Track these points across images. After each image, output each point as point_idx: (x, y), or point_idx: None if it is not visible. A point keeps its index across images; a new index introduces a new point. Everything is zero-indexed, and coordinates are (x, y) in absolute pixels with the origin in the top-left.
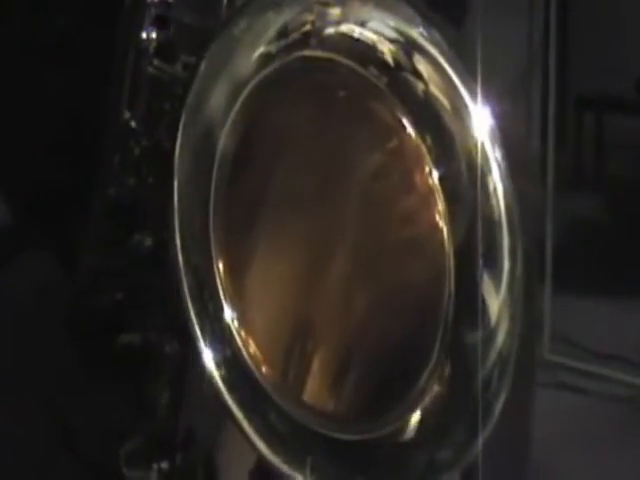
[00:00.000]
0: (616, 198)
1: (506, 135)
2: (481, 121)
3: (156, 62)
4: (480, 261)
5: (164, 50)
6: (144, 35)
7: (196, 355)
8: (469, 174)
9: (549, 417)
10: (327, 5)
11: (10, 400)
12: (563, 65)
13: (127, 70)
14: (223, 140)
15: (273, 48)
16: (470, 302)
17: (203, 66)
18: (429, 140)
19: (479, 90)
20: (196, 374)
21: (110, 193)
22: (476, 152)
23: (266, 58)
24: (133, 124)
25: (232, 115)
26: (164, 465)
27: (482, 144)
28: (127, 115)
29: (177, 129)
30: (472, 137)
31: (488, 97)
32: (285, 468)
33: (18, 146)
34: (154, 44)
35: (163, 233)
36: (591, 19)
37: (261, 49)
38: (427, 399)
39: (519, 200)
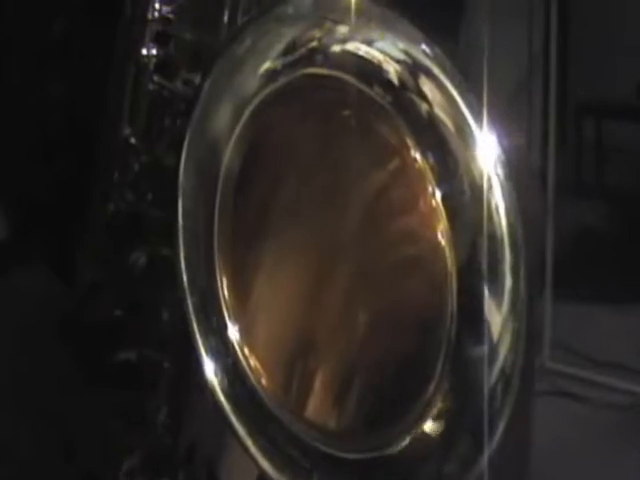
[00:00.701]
0: (617, 205)
1: (511, 160)
2: (487, 148)
3: (156, 78)
4: (483, 279)
5: (164, 66)
6: (144, 51)
7: (198, 372)
8: (472, 193)
9: (549, 425)
10: (336, 22)
11: (8, 414)
12: (563, 72)
13: (127, 86)
14: (227, 157)
15: (279, 64)
16: (473, 318)
17: (207, 84)
18: (432, 160)
19: (485, 115)
20: (196, 390)
21: (109, 208)
22: (479, 175)
23: (272, 74)
24: (133, 140)
25: (236, 132)
26: None
27: (486, 166)
28: (127, 131)
29: (182, 147)
30: (476, 160)
31: (493, 121)
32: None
33: (17, 159)
34: (154, 60)
35: (162, 249)
36: (591, 26)
37: (267, 64)
38: (431, 415)
39: (522, 218)
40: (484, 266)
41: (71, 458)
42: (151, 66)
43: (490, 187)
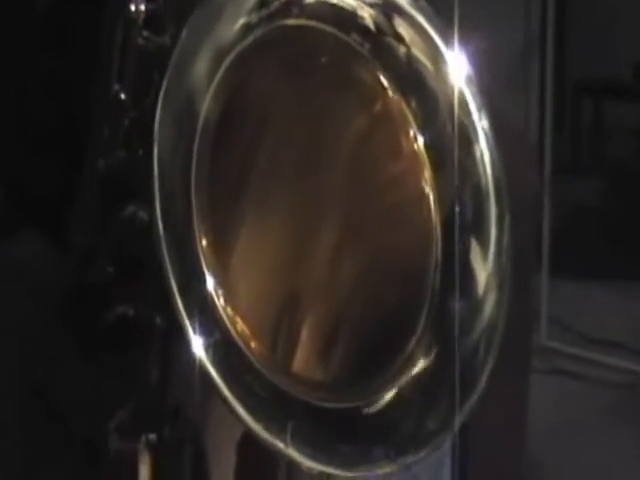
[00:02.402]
0: (614, 183)
1: (484, 81)
2: (458, 68)
3: (145, 33)
4: (468, 229)
5: (153, 21)
6: (132, 7)
7: (180, 329)
8: (455, 136)
9: (546, 403)
10: None
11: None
12: (561, 51)
13: (116, 42)
14: (205, 109)
15: (254, 17)
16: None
17: (185, 34)
18: (413, 103)
19: (456, 38)
20: (183, 348)
21: (100, 165)
22: (462, 115)
23: (247, 27)
24: (122, 96)
25: (214, 83)
26: (152, 437)
27: (467, 105)
28: (116, 87)
29: (158, 96)
30: (453, 90)
31: (465, 45)
32: (266, 435)
33: (4, 124)
34: (143, 15)
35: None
36: (589, 5)
37: (243, 19)
38: (413, 368)
39: (506, 169)
40: (469, 215)
41: (60, 413)
42: (140, 21)
43: (475, 137)
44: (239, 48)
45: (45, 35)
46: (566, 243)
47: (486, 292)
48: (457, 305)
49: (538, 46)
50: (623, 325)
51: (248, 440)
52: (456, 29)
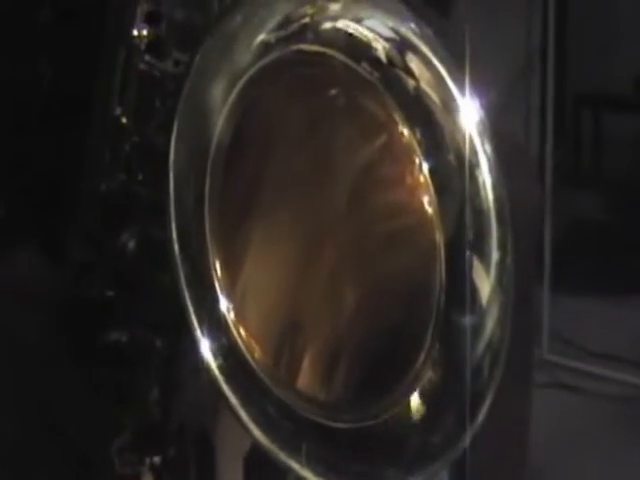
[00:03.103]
0: (614, 196)
1: (494, 127)
2: (469, 114)
3: (147, 58)
4: (468, 249)
5: (155, 46)
6: (135, 31)
7: (193, 345)
8: (458, 166)
9: (547, 416)
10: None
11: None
12: (562, 63)
13: (118, 66)
14: (217, 134)
15: (273, 37)
16: (461, 290)
17: (198, 60)
18: (419, 134)
19: (467, 83)
20: (188, 367)
21: (100, 188)
22: (466, 148)
23: (265, 46)
24: (124, 120)
25: (227, 107)
26: (156, 460)
27: (470, 136)
28: (118, 111)
29: (173, 122)
30: (461, 130)
31: (477, 90)
32: (281, 455)
33: (8, 140)
34: (145, 40)
35: (153, 229)
36: (590, 17)
37: (262, 37)
38: (420, 386)
39: (509, 192)
40: (471, 238)
41: (62, 438)
42: (142, 46)
43: (477, 162)
44: (252, 71)
45: (49, 55)
46: (567, 256)
47: (488, 310)
48: (468, 320)
49: (539, 59)
50: (624, 339)
51: (254, 459)
52: (467, 78)
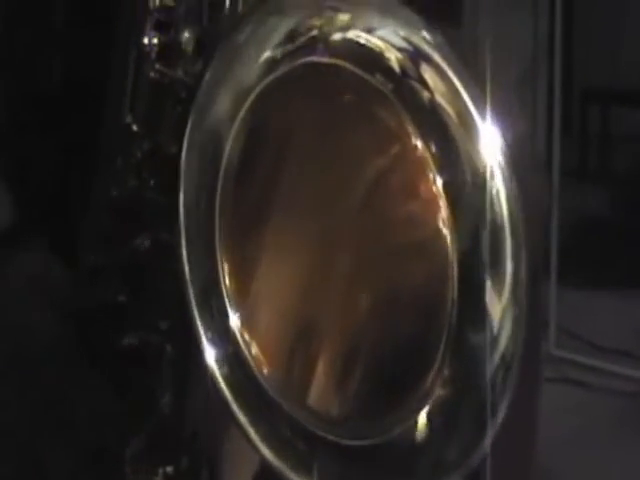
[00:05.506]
0: (622, 192)
1: (512, 146)
2: (489, 136)
3: (157, 66)
4: (485, 266)
5: (165, 55)
6: (146, 40)
7: (200, 357)
8: (473, 180)
9: (554, 411)
10: (336, 10)
11: (11, 399)
12: (569, 58)
13: (128, 74)
14: (229, 146)
15: (279, 53)
16: (474, 305)
17: (209, 73)
18: (433, 147)
19: (487, 103)
20: (200, 376)
21: (112, 195)
22: (481, 162)
23: (272, 63)
24: (134, 127)
25: (238, 120)
26: (169, 469)
27: (487, 157)
28: (129, 118)
29: (184, 135)
30: (477, 147)
31: (495, 108)
32: (292, 474)
33: (21, 144)
34: (156, 48)
35: (165, 235)
36: (597, 12)
37: (267, 53)
38: (432, 401)
39: (523, 204)
40: (485, 253)
41: (74, 444)
42: (153, 54)
43: (492, 175)
44: (262, 85)
45: (60, 62)
46: (574, 252)
47: (501, 326)
48: (484, 337)
49: (546, 54)
50: (631, 333)
51: (266, 469)
52: (489, 105)
